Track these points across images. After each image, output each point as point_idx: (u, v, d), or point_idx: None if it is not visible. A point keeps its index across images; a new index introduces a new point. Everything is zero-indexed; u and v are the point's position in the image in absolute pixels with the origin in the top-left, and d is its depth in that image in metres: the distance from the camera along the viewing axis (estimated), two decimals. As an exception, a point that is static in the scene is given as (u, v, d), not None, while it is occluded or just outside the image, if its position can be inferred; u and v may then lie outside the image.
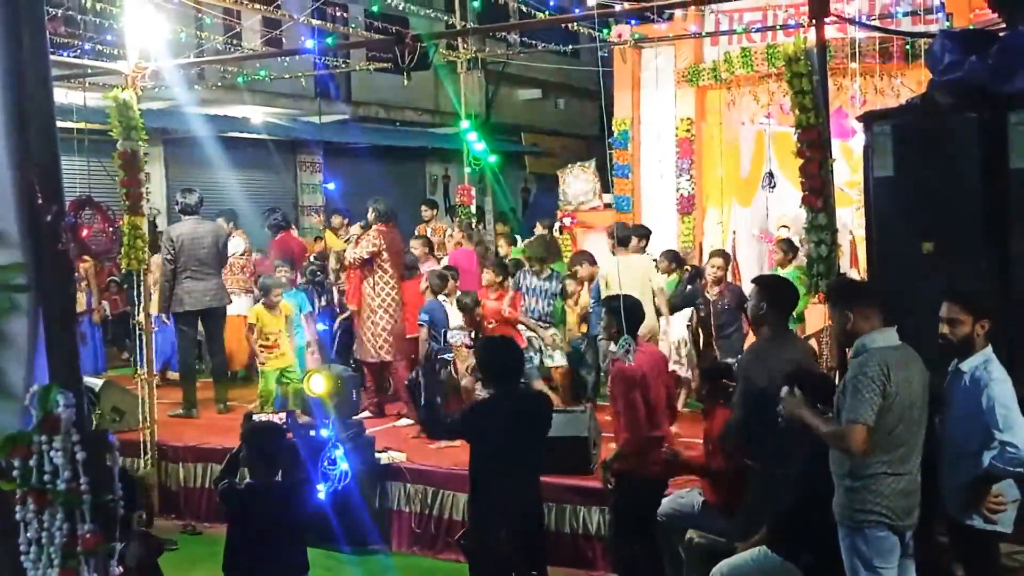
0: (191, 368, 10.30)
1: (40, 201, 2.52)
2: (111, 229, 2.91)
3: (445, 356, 9.04)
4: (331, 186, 19.96)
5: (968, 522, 4.65)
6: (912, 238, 5.66)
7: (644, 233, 10.54)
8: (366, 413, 9.74)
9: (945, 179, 5.58)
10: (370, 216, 10.07)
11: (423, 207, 14.11)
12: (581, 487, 7.09)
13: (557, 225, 14.02)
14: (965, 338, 4.69)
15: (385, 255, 9.74)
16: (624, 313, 6.06)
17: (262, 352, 9.66)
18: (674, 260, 10.41)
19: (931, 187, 5.62)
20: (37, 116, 2.62)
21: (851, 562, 4.63)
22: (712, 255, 9.79)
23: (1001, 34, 5.80)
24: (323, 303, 10.87)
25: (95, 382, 9.54)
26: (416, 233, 13.00)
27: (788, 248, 9.77)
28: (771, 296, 5.74)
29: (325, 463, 6.49)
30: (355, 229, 10.62)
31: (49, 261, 2.56)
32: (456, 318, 9.32)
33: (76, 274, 2.76)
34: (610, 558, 6.94)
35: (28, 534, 2.56)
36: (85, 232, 2.67)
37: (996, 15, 6.30)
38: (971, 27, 7.91)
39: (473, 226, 13.39)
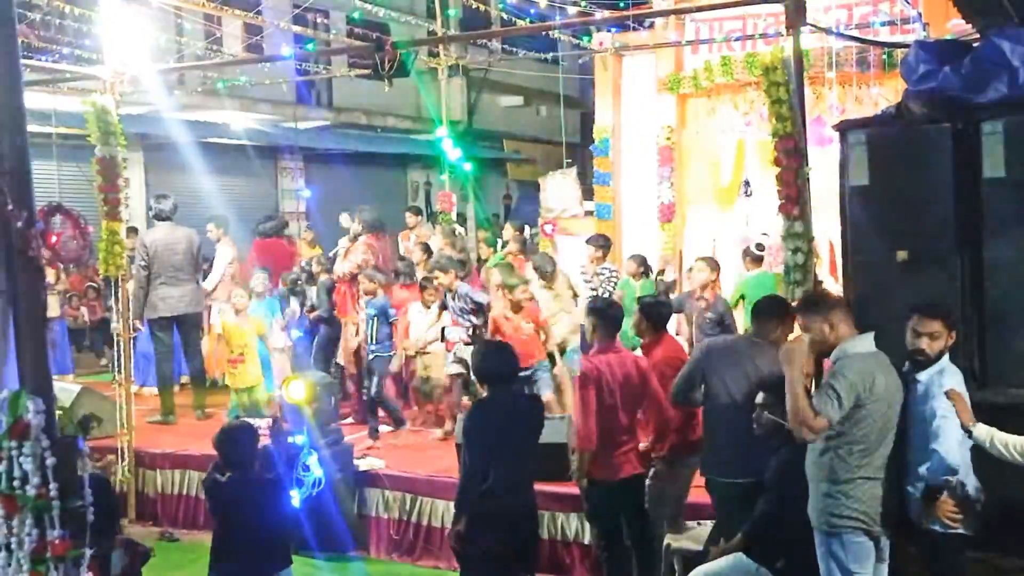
0: (168, 375, 10.26)
1: (10, 207, 2.51)
2: (82, 236, 2.91)
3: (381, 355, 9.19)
4: (307, 193, 19.94)
5: (930, 527, 4.69)
6: (886, 246, 5.70)
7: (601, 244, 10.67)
8: (349, 420, 9.75)
9: (919, 188, 5.63)
10: (357, 227, 10.03)
11: (408, 214, 14.04)
12: (559, 493, 7.10)
13: (530, 231, 14.07)
14: (940, 352, 4.76)
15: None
16: (606, 318, 6.16)
17: (227, 365, 9.57)
18: (642, 265, 10.44)
19: (905, 196, 5.67)
20: (8, 123, 2.61)
21: (827, 567, 4.66)
22: (697, 260, 9.59)
23: (975, 45, 5.86)
24: (303, 310, 10.84)
25: (70, 387, 9.49)
26: (400, 239, 12.99)
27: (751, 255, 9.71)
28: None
29: (299, 470, 6.49)
30: (343, 242, 10.59)
31: (19, 267, 2.55)
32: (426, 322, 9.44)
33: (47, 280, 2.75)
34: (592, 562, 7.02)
35: (-3, 540, 2.56)
36: (54, 239, 2.67)
37: (971, 26, 6.35)
38: (947, 37, 7.98)
39: (456, 233, 13.36)
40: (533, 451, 5.85)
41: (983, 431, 4.58)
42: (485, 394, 5.98)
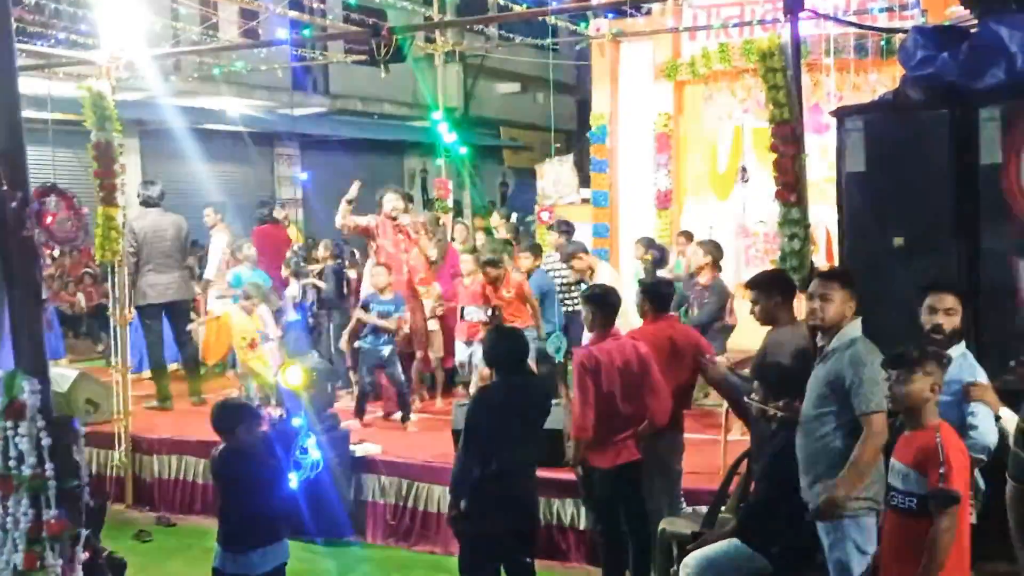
0: (161, 361, 10.24)
1: (5, 188, 2.51)
2: (77, 217, 2.90)
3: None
4: (304, 175, 19.89)
5: None
6: (883, 232, 5.71)
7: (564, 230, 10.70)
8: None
9: (916, 174, 5.63)
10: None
11: None
12: (555, 479, 7.11)
13: (516, 216, 14.06)
14: (956, 330, 4.77)
15: None
16: (605, 305, 6.16)
17: (242, 351, 9.51)
18: (650, 246, 10.43)
19: (902, 182, 5.67)
20: (3, 105, 2.61)
21: (844, 551, 4.61)
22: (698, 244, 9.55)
23: (972, 31, 5.85)
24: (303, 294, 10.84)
25: (67, 372, 9.48)
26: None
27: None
28: (782, 289, 5.81)
29: (297, 452, 6.51)
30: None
31: (14, 248, 2.54)
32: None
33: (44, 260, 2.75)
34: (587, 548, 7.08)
35: (-8, 519, 2.56)
36: (49, 219, 2.67)
37: (969, 11, 6.34)
38: (945, 23, 7.98)
39: (439, 222, 13.21)
40: (538, 437, 5.87)
41: (1009, 419, 4.53)
42: (494, 379, 6.00)
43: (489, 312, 8.89)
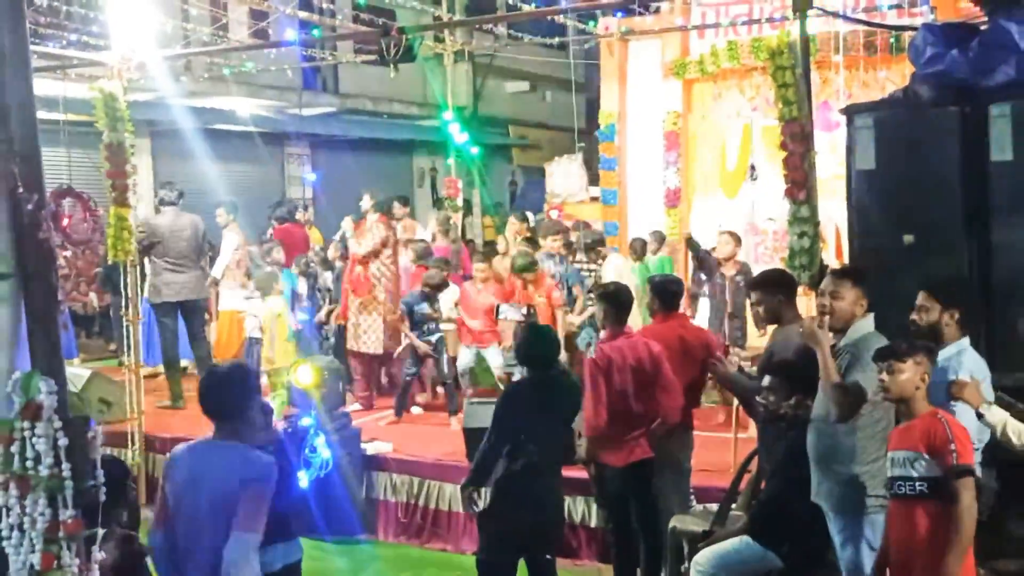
0: (174, 359, 10.28)
1: (21, 190, 2.54)
2: (92, 218, 2.94)
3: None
4: (312, 176, 19.93)
5: None
6: (893, 230, 5.71)
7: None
8: (356, 406, 9.78)
9: (926, 172, 5.64)
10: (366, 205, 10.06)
11: (396, 203, 13.96)
12: (566, 477, 7.06)
13: (535, 217, 14.08)
14: (931, 325, 4.78)
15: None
16: (617, 303, 6.18)
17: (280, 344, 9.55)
18: (660, 241, 10.49)
19: (912, 179, 5.67)
20: (18, 105, 2.63)
21: (855, 551, 4.62)
22: (721, 234, 9.86)
23: (982, 28, 5.85)
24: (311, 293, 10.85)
25: (81, 372, 9.52)
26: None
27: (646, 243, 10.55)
28: (783, 288, 5.82)
29: (307, 451, 6.53)
30: (347, 222, 10.52)
31: (30, 249, 2.57)
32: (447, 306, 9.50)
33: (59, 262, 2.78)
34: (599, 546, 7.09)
35: (10, 519, 2.59)
36: (66, 221, 2.70)
37: (978, 8, 6.33)
38: (954, 20, 7.96)
39: (450, 221, 13.26)
40: (565, 436, 5.88)
41: (997, 416, 4.51)
42: (525, 375, 6.03)
43: (524, 311, 8.93)
